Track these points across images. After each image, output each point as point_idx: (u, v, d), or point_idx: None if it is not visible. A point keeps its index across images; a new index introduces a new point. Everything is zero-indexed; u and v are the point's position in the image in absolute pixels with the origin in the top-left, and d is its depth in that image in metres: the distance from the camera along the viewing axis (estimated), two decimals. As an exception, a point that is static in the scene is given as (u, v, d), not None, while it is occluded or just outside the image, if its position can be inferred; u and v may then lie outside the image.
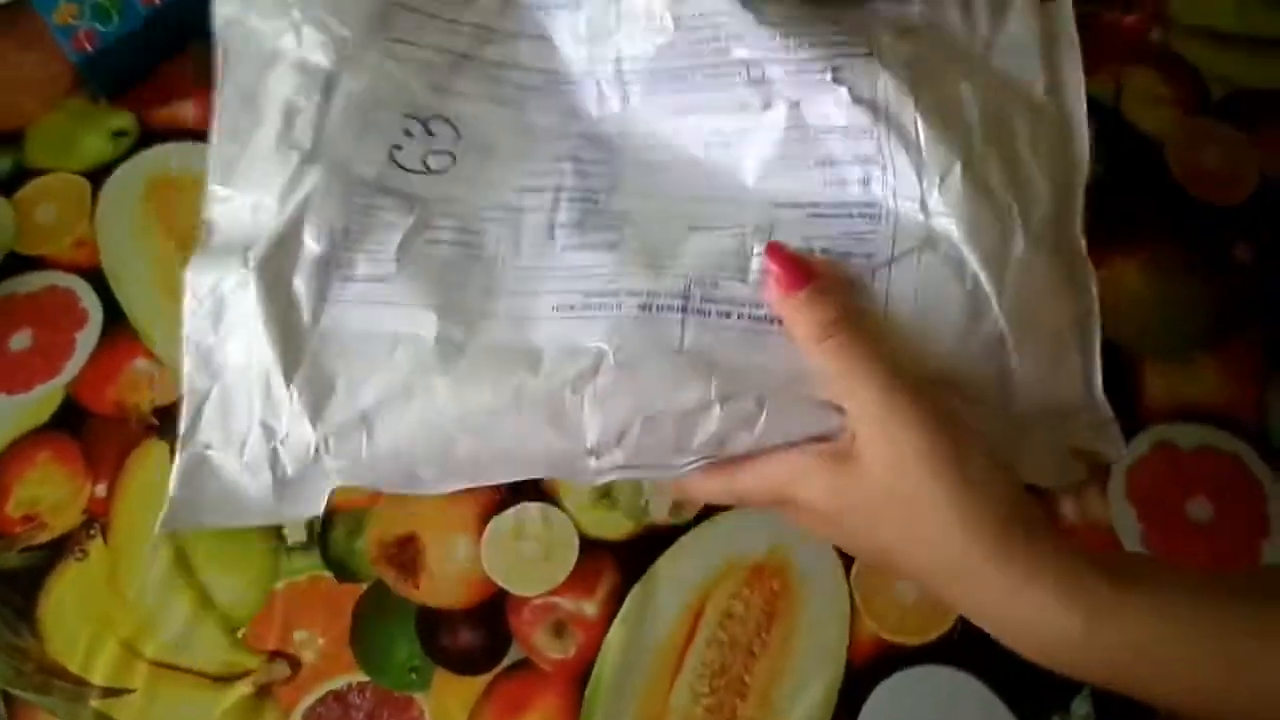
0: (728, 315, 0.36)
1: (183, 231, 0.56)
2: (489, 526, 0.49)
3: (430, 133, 0.40)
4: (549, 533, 0.49)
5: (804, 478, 0.36)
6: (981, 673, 0.46)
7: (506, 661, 0.48)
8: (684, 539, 0.49)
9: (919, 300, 0.36)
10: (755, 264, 0.36)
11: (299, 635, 0.48)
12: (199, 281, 0.39)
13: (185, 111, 0.58)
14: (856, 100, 0.38)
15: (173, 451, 0.50)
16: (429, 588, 0.49)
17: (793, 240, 0.37)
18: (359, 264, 0.38)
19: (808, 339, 0.35)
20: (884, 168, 0.37)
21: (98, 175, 0.57)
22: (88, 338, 0.54)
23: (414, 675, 0.48)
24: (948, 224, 0.36)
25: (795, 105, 0.39)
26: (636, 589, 0.48)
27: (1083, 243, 0.38)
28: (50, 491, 0.51)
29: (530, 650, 0.48)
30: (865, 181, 0.38)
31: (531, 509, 0.50)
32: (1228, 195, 0.56)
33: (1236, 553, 0.49)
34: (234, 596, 0.49)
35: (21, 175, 0.57)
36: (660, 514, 0.49)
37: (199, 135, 0.57)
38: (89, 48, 0.56)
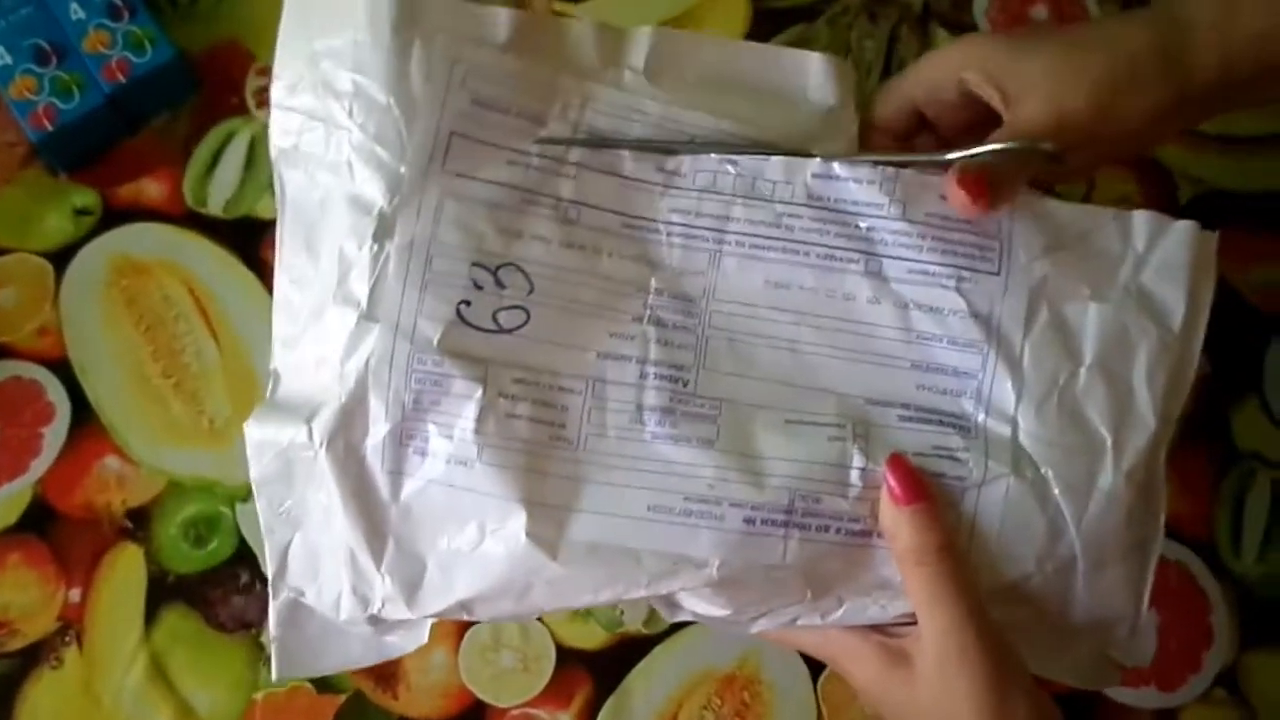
0: (826, 529, 0.37)
1: (152, 321, 0.54)
2: (467, 636, 0.50)
3: (501, 284, 0.38)
4: (526, 643, 0.50)
5: (857, 660, 0.39)
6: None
7: (485, 773, 0.49)
8: (657, 650, 0.51)
9: (1003, 526, 0.37)
10: (854, 476, 0.38)
11: (279, 747, 0.49)
12: (262, 437, 0.38)
13: (150, 190, 0.56)
14: (973, 314, 0.39)
15: (147, 555, 0.51)
16: (407, 699, 0.50)
17: (887, 452, 0.38)
18: (432, 438, 0.37)
19: (906, 559, 0.37)
20: (982, 384, 0.38)
21: (59, 256, 0.55)
22: (55, 434, 0.52)
23: (394, 787, 0.49)
24: (1035, 449, 0.38)
25: (905, 307, 0.39)
26: (611, 700, 0.50)
27: (1163, 473, 0.39)
28: (22, 596, 0.51)
29: (508, 762, 0.49)
30: (960, 394, 0.38)
31: (509, 619, 0.51)
32: (1188, 300, 0.57)
33: (1179, 662, 0.51)
34: (213, 707, 0.49)
35: (-22, 255, 0.55)
36: (634, 623, 0.51)
37: (164, 216, 0.56)
38: (48, 125, 0.53)
